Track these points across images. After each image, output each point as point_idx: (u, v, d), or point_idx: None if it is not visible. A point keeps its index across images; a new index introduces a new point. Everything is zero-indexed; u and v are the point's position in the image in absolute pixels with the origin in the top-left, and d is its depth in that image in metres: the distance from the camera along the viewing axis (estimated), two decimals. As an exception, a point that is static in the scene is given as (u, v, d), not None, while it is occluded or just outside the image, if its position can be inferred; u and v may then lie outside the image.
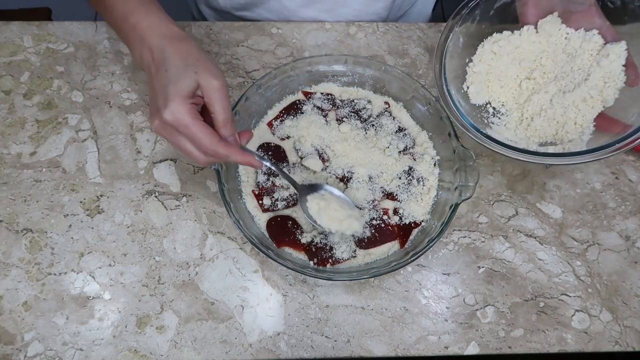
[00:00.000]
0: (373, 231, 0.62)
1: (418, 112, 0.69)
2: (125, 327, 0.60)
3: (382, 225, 0.62)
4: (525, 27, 0.63)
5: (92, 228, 0.65)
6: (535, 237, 0.66)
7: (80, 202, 0.66)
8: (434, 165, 0.66)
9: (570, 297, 0.63)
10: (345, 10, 0.81)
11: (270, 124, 0.69)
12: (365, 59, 0.69)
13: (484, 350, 0.60)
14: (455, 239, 0.66)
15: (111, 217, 0.66)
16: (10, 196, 0.66)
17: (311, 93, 0.71)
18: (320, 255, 0.60)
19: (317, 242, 0.61)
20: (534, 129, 0.62)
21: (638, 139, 0.54)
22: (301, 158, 0.66)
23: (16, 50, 0.76)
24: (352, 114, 0.69)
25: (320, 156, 0.66)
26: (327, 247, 0.61)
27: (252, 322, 0.61)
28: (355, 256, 0.61)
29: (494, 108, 0.66)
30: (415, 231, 0.63)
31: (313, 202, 0.60)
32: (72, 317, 0.60)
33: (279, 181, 0.64)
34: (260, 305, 0.62)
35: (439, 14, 1.63)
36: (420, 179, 0.65)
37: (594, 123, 0.60)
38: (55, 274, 0.62)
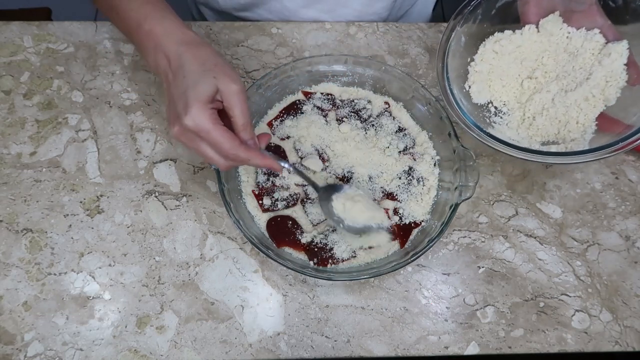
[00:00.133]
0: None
1: (418, 112, 0.69)
2: (125, 327, 0.60)
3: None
4: (527, 27, 0.63)
5: (92, 228, 0.65)
6: (535, 237, 0.66)
7: (80, 202, 0.66)
8: (434, 165, 0.66)
9: (570, 297, 0.63)
10: (346, 11, 0.81)
11: (270, 124, 0.69)
12: (365, 59, 0.69)
13: (484, 350, 0.60)
14: (455, 239, 0.66)
15: (111, 217, 0.66)
16: (10, 196, 0.66)
17: (311, 93, 0.71)
18: (320, 255, 0.60)
19: (317, 242, 0.61)
20: (536, 128, 0.62)
21: (640, 139, 0.54)
22: (301, 158, 0.66)
23: (16, 50, 0.76)
24: (352, 114, 0.69)
25: (320, 156, 0.66)
26: (327, 247, 0.61)
27: (252, 322, 0.61)
28: (355, 256, 0.61)
29: (495, 107, 0.66)
30: (415, 231, 0.63)
31: (338, 201, 0.60)
32: (72, 317, 0.60)
33: (279, 181, 0.64)
34: (260, 305, 0.62)
35: (439, 14, 1.63)
36: (420, 179, 0.65)
37: (596, 122, 0.60)
38: (55, 274, 0.62)
